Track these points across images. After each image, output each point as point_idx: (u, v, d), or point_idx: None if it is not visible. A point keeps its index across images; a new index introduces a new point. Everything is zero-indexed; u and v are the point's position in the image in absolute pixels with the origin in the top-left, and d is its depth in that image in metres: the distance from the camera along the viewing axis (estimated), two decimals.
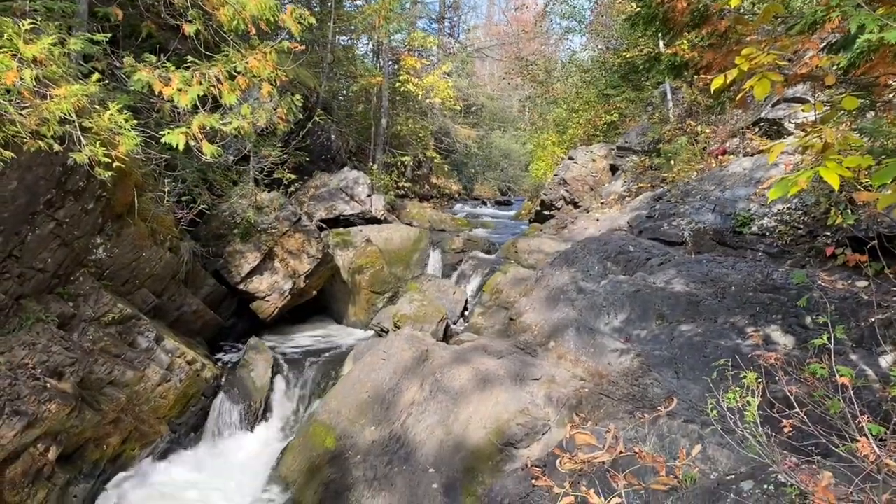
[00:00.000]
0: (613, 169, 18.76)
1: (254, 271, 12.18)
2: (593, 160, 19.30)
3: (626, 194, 16.17)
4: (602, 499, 3.14)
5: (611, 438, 3.13)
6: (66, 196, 8.11)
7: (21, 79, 6.05)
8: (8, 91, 6.13)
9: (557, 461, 3.32)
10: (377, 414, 8.38)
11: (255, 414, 10.24)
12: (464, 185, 34.25)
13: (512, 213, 27.58)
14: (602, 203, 16.87)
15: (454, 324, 12.67)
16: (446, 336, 11.70)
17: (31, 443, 7.36)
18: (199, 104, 8.18)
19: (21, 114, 6.30)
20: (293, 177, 13.62)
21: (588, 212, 17.08)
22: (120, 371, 8.76)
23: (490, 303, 11.86)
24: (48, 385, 7.51)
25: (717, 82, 3.86)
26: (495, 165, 40.63)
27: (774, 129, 12.58)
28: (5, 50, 6.11)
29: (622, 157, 18.00)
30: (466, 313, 13.25)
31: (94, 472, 8.36)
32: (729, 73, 3.82)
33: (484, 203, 32.82)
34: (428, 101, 24.71)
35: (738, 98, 4.86)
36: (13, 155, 6.43)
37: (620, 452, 3.08)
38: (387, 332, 11.97)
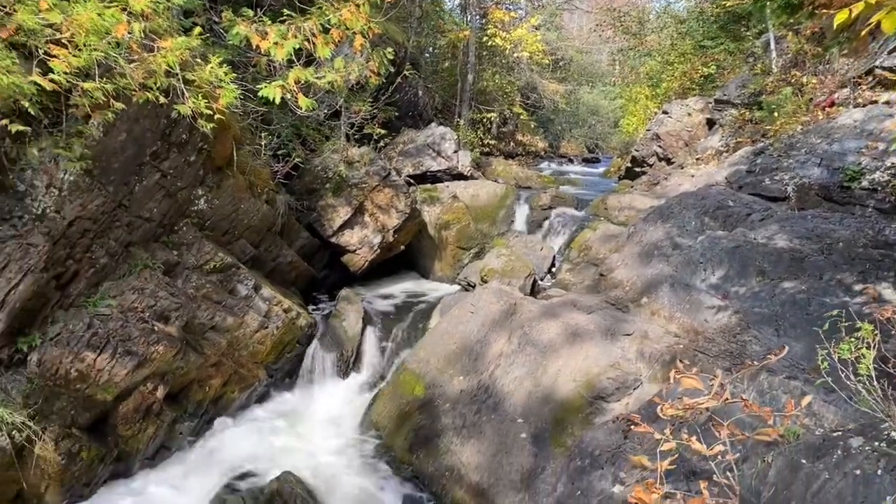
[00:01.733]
0: (710, 123, 18.01)
1: (345, 225, 12.43)
2: (689, 114, 18.57)
3: (724, 149, 15.51)
4: (705, 446, 3.07)
5: (716, 386, 3.04)
6: (170, 148, 8.45)
7: (130, 32, 6.28)
8: (118, 44, 6.38)
9: (658, 408, 3.25)
10: (465, 364, 8.48)
11: (347, 362, 10.56)
12: (550, 143, 33.67)
13: (600, 170, 26.99)
14: (697, 159, 16.26)
15: (541, 280, 12.61)
16: (533, 291, 11.66)
17: (141, 381, 7.85)
18: (294, 58, 8.29)
19: (130, 66, 6.56)
20: (383, 132, 13.73)
21: (682, 168, 16.52)
22: (221, 317, 9.16)
23: (578, 259, 11.72)
24: (156, 328, 7.94)
25: (841, 17, 3.58)
26: (583, 122, 39.73)
27: (891, 78, 11.71)
28: (115, 4, 6.35)
29: (720, 110, 17.23)
30: (553, 269, 13.15)
31: (197, 411, 8.85)
32: (855, 6, 3.54)
33: (570, 161, 32.20)
34: (515, 55, 24.27)
35: (861, 34, 4.52)
36: (123, 106, 6.72)
37: (727, 400, 2.99)
38: (473, 286, 12.03)
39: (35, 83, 5.79)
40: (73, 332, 7.40)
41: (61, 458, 7.02)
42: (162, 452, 8.36)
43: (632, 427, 5.89)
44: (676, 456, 3.37)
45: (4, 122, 6.07)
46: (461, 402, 8.03)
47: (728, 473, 3.18)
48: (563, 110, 34.38)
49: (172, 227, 9.16)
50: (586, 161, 32.97)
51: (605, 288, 8.83)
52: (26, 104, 5.92)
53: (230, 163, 9.58)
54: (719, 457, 3.14)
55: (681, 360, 4.38)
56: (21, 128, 6.09)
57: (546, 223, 14.75)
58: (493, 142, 23.68)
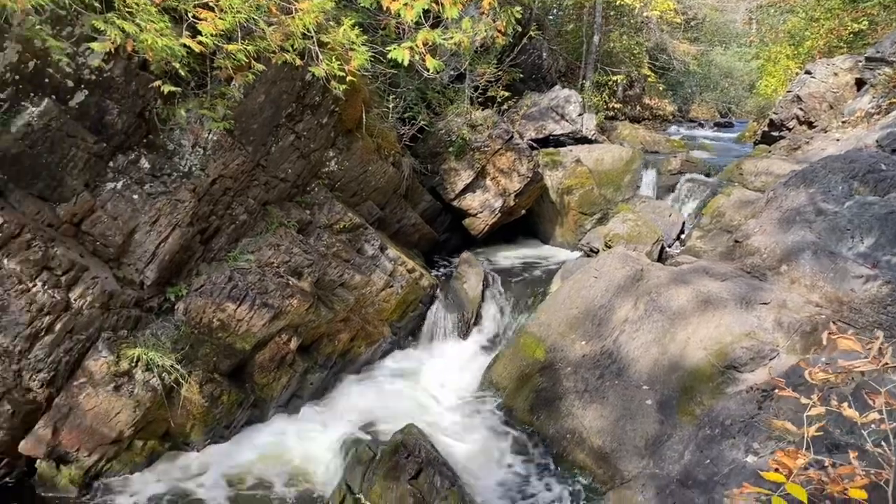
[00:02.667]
0: (859, 84, 16.56)
1: (467, 188, 12.48)
2: (835, 74, 17.15)
3: (875, 111, 14.25)
4: (857, 413, 2.87)
5: (875, 348, 2.81)
6: (304, 110, 8.74)
7: None
8: (258, 7, 6.63)
9: (804, 373, 3.06)
10: (588, 329, 8.35)
11: (468, 323, 10.67)
12: (679, 107, 32.20)
13: (733, 135, 25.54)
14: (844, 122, 15.03)
15: (669, 247, 12.17)
16: (661, 258, 11.28)
17: (276, 333, 8.27)
18: (422, 19, 8.31)
19: (269, 29, 6.81)
20: (507, 94, 13.60)
21: (826, 132, 15.34)
22: (349, 275, 9.48)
23: (710, 226, 11.21)
24: (290, 283, 8.32)
25: None
26: (715, 85, 37.64)
27: None
28: None
29: (871, 69, 15.79)
30: (683, 236, 12.65)
31: (326, 363, 9.24)
32: None
33: (701, 125, 30.64)
34: (644, 14, 23.27)
35: None
36: (263, 68, 7.01)
37: (886, 365, 2.76)
38: (596, 251, 11.79)
39: (185, 45, 6.12)
40: (216, 283, 7.88)
41: (205, 401, 7.54)
42: (294, 401, 8.81)
43: (773, 393, 5.62)
44: (823, 423, 3.17)
45: (157, 83, 6.48)
46: (583, 366, 7.94)
47: (883, 443, 2.96)
48: (693, 72, 32.70)
49: (305, 188, 9.52)
50: (718, 125, 31.26)
51: (740, 255, 8.38)
52: (177, 65, 6.28)
53: (359, 125, 9.80)
54: (872, 425, 2.93)
55: (833, 323, 4.09)
56: (172, 88, 6.49)
57: (675, 189, 14.16)
58: (618, 105, 22.93)
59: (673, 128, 27.05)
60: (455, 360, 10.12)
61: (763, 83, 26.34)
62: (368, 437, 7.79)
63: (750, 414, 5.76)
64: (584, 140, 16.41)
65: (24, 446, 6.82)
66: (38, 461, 7.00)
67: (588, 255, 12.03)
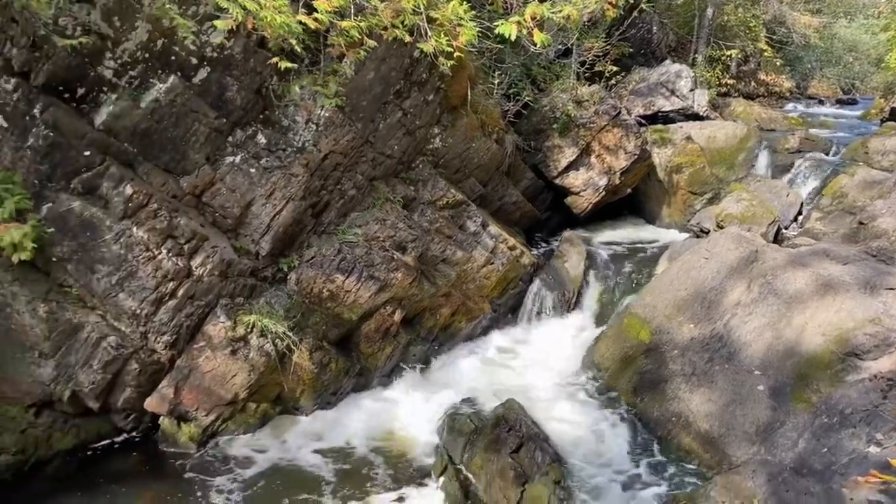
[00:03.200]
0: None
1: (570, 166, 12.29)
2: None
3: None
4: None
5: None
6: (411, 87, 8.84)
7: None
8: None
9: None
10: (696, 312, 8.10)
11: (568, 302, 10.57)
12: (797, 83, 30.35)
13: (857, 112, 23.91)
14: None
15: (786, 228, 11.58)
16: (777, 239, 10.76)
17: (381, 305, 8.48)
18: None
19: (381, 5, 6.91)
20: (615, 69, 13.25)
21: None
22: (451, 251, 9.57)
23: (831, 207, 10.58)
24: (395, 257, 8.50)
25: None
26: (837, 60, 35.22)
27: None
28: None
29: None
30: (800, 218, 12.00)
31: (428, 336, 9.41)
32: None
33: (821, 102, 28.83)
34: None
35: None
36: (375, 44, 7.13)
37: None
38: (706, 232, 11.37)
39: (301, 22, 6.31)
40: (325, 256, 8.16)
41: (314, 367, 7.84)
42: (396, 371, 9.03)
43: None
44: None
45: (275, 59, 6.72)
46: (691, 349, 7.72)
47: None
48: (814, 46, 30.68)
49: (410, 164, 9.65)
50: (840, 102, 29.33)
51: (865, 237, 7.90)
52: (293, 42, 6.49)
53: (464, 102, 9.82)
54: None
55: None
56: (289, 64, 6.71)
57: (793, 168, 13.42)
58: (731, 81, 21.87)
59: (790, 105, 25.60)
60: (555, 339, 10.06)
61: (892, 57, 24.47)
62: (468, 410, 7.88)
63: (873, 403, 5.45)
64: (695, 117, 15.80)
65: (150, 403, 7.32)
66: (162, 418, 7.50)
67: (697, 236, 11.62)
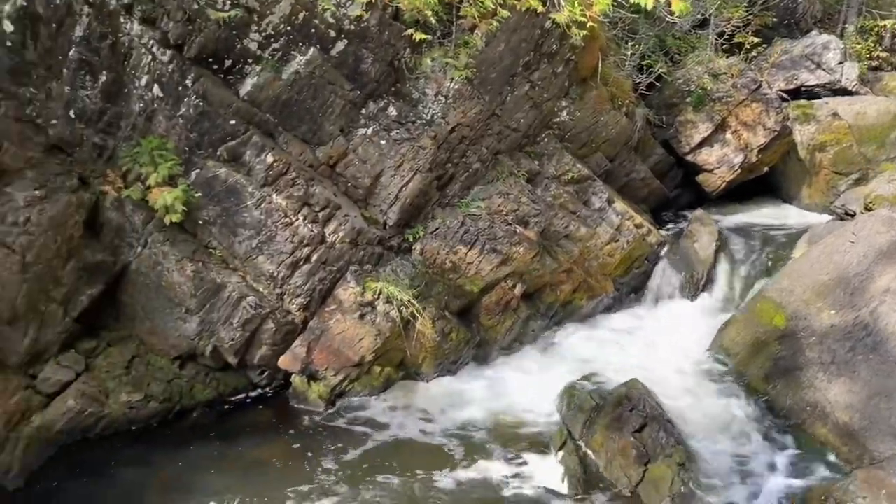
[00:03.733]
0: None
1: (703, 142, 11.78)
2: None
3: None
4: None
5: None
6: (540, 59, 8.73)
7: None
8: None
9: None
10: (838, 298, 7.62)
11: (696, 284, 10.19)
12: None
13: None
14: None
15: None
16: None
17: (502, 278, 8.52)
18: None
19: None
20: (756, 41, 12.50)
21: None
22: (574, 226, 9.44)
23: None
24: (517, 231, 8.50)
25: None
26: None
27: None
28: None
29: None
30: None
31: (548, 312, 9.37)
32: None
33: None
34: None
35: None
36: (509, 14, 7.09)
37: None
38: (851, 214, 10.62)
39: None
40: (449, 227, 8.28)
41: (436, 336, 8.00)
42: (514, 345, 9.06)
43: None
44: None
45: (409, 31, 6.83)
46: (830, 336, 7.30)
47: None
48: None
49: (535, 138, 9.58)
50: None
51: None
52: (428, 13, 6.57)
53: (594, 74, 9.61)
54: None
55: None
56: (423, 36, 6.80)
57: None
58: (884, 54, 20.09)
59: None
60: (681, 321, 9.74)
61: None
62: (589, 387, 7.80)
63: None
64: (843, 92, 14.63)
65: (283, 361, 7.74)
66: (293, 376, 7.90)
67: (841, 219, 10.87)
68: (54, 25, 6.52)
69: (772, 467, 6.56)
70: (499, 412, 7.83)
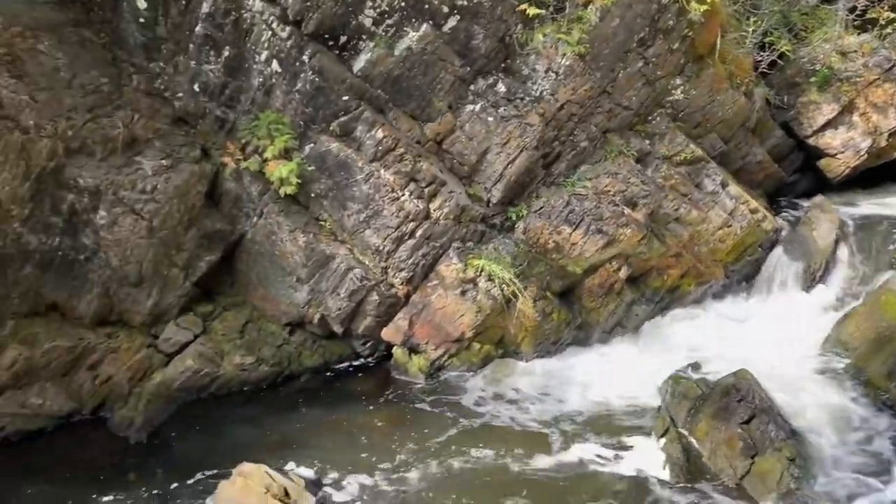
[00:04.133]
0: None
1: (827, 125, 11.06)
2: None
3: None
4: None
5: None
6: (656, 34, 8.41)
7: None
8: None
9: None
10: None
11: (813, 275, 9.64)
12: None
13: None
14: None
15: None
16: None
17: (607, 260, 8.35)
18: None
19: None
20: (893, 16, 11.56)
21: None
22: (685, 209, 9.11)
23: None
24: (624, 212, 8.31)
25: None
26: None
27: None
28: None
29: None
30: None
31: (653, 297, 9.12)
32: None
33: None
34: None
35: None
36: None
37: None
38: None
39: None
40: (554, 207, 8.20)
41: (537, 315, 7.97)
42: (616, 329, 8.91)
43: None
44: None
45: (522, 6, 6.75)
46: None
47: None
48: None
49: (647, 117, 9.28)
50: None
51: None
52: None
53: (712, 51, 9.17)
54: None
55: None
56: (537, 11, 6.72)
57: None
58: None
59: None
60: (794, 312, 9.26)
61: None
62: (693, 376, 7.59)
63: None
64: None
65: (386, 332, 7.94)
66: (395, 347, 8.09)
67: None
68: (183, 2, 6.87)
69: (893, 470, 6.18)
70: (597, 395, 7.76)
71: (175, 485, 6.15)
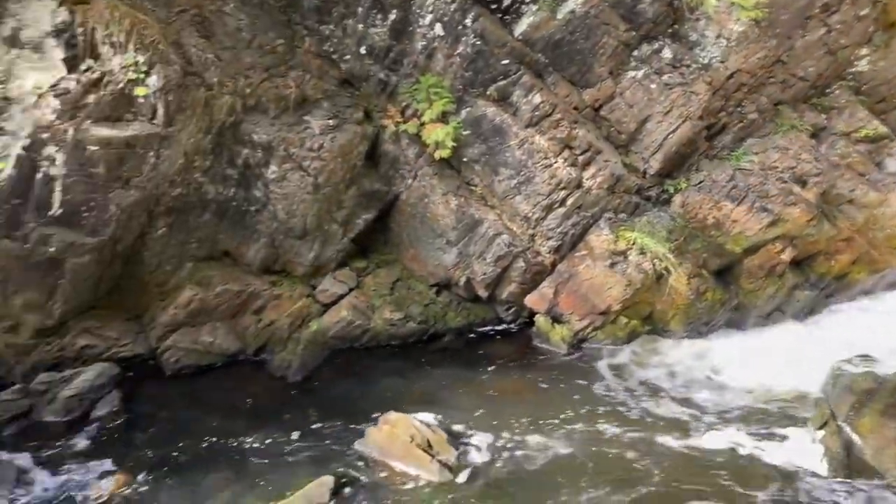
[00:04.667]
0: None
1: None
2: None
3: None
4: None
5: None
6: (842, 0, 7.75)
7: None
8: None
9: None
10: None
11: None
12: None
13: None
14: None
15: None
16: None
17: (770, 240, 7.87)
18: None
19: None
20: None
21: None
22: (862, 191, 8.39)
23: None
24: (793, 190, 7.77)
25: None
26: None
27: None
28: None
29: None
30: None
31: (818, 283, 8.53)
32: None
33: None
34: None
35: None
36: None
37: None
38: None
39: None
40: (716, 181, 7.82)
41: (690, 293, 7.67)
42: (775, 314, 8.41)
43: None
44: None
45: None
46: None
47: None
48: None
49: (824, 89, 8.62)
50: None
51: None
52: None
53: None
54: None
55: None
56: None
57: None
58: None
59: None
60: None
61: None
62: (860, 369, 7.01)
63: None
64: None
65: (530, 300, 7.93)
66: (538, 315, 8.07)
67: None
68: None
69: None
70: (750, 381, 7.35)
71: (326, 426, 6.51)
